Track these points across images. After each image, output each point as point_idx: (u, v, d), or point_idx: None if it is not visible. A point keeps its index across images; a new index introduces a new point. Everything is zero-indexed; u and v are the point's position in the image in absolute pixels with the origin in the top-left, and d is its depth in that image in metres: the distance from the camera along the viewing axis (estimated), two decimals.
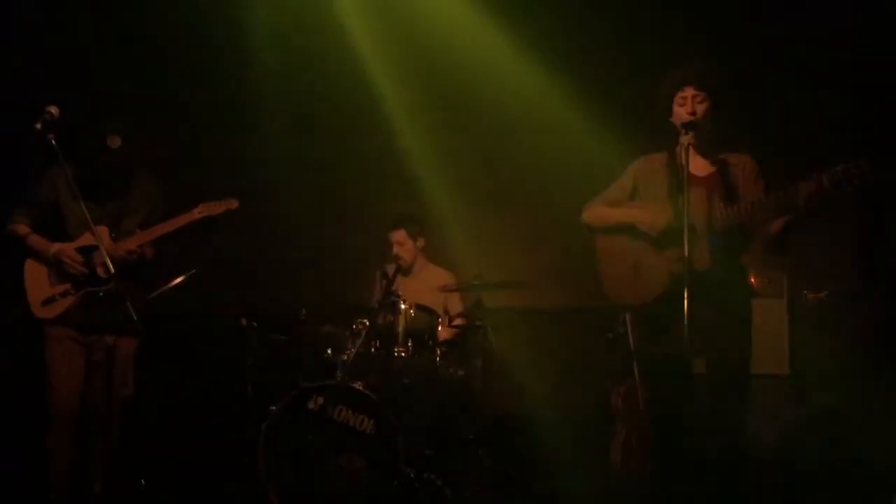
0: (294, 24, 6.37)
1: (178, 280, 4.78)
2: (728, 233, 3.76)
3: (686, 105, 3.83)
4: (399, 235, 5.77)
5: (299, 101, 6.48)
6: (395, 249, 5.74)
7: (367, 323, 5.10)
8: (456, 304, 5.79)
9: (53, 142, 4.04)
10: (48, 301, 4.45)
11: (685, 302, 3.47)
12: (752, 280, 3.93)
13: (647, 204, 3.94)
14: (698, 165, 3.89)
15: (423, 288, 5.70)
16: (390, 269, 5.47)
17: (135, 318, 4.00)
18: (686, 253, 3.52)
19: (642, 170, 4.04)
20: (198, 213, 4.52)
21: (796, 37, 5.88)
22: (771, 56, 5.94)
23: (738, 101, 4.22)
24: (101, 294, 4.39)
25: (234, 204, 4.57)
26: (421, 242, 5.83)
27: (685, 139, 3.76)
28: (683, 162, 3.69)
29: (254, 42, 6.33)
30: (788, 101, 5.90)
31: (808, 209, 3.58)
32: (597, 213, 4.07)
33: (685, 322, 3.45)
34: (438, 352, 5.25)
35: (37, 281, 4.47)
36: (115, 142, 4.43)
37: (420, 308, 5.25)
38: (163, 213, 4.61)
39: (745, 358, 3.81)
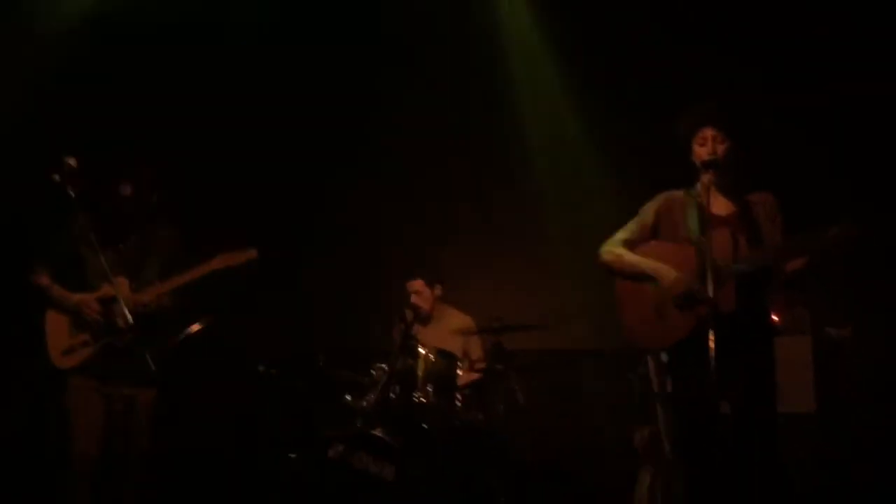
0: None
1: (195, 328, 4.69)
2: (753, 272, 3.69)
3: (706, 145, 3.78)
4: (416, 285, 5.77)
5: (316, 149, 6.50)
6: (413, 299, 5.74)
7: (387, 368, 5.05)
8: (476, 348, 5.75)
9: (72, 193, 4.05)
10: (68, 351, 4.41)
11: (711, 344, 3.39)
12: (775, 318, 3.84)
13: (671, 270, 3.78)
14: (720, 205, 3.83)
15: (443, 333, 5.67)
16: (409, 315, 5.43)
17: (153, 369, 3.97)
18: (710, 294, 3.46)
19: (664, 207, 3.96)
20: (217, 263, 4.45)
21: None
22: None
23: (768, 138, 4.15)
24: (120, 345, 4.37)
25: (253, 254, 4.49)
26: (438, 290, 5.83)
27: (706, 178, 3.73)
28: (704, 202, 3.65)
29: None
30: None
31: (835, 252, 3.52)
32: (618, 256, 3.93)
33: (712, 365, 3.37)
34: (459, 396, 5.19)
35: (57, 331, 4.45)
36: (125, 189, 4.44)
37: (440, 352, 5.19)
38: (181, 262, 4.58)
39: (769, 397, 3.73)
